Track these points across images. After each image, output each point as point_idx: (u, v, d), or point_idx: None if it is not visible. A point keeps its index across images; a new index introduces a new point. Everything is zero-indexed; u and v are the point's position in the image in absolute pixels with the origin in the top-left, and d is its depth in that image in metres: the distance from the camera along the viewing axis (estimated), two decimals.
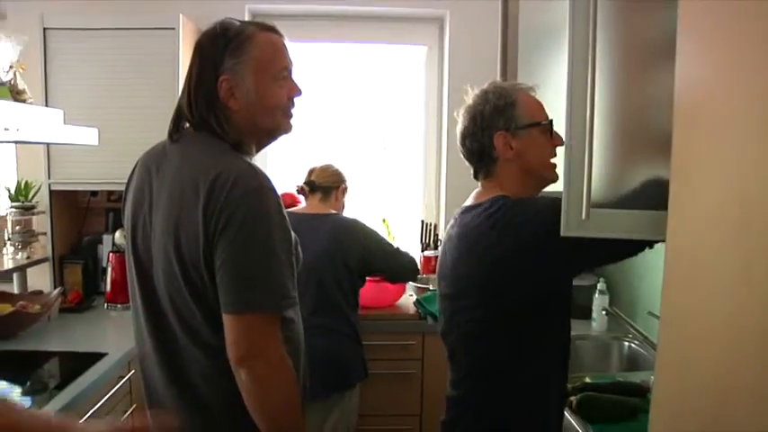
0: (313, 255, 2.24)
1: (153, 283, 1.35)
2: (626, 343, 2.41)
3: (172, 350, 1.34)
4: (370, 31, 3.32)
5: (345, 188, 2.56)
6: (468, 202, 1.55)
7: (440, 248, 1.65)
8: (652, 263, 2.42)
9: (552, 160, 1.51)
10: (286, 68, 1.40)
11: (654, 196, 1.27)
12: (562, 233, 1.35)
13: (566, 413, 1.71)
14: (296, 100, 1.44)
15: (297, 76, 1.45)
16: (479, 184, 1.56)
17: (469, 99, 1.54)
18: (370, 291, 2.77)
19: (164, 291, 1.32)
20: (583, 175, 1.30)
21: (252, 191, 1.25)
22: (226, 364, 1.26)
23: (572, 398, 1.74)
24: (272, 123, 1.40)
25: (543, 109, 1.52)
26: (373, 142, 3.50)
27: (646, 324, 2.35)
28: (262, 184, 1.27)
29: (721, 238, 1.01)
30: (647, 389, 1.82)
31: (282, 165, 3.33)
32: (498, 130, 1.48)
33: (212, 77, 1.33)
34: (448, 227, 1.61)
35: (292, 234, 1.34)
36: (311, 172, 2.54)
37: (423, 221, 3.34)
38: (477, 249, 1.42)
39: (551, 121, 1.50)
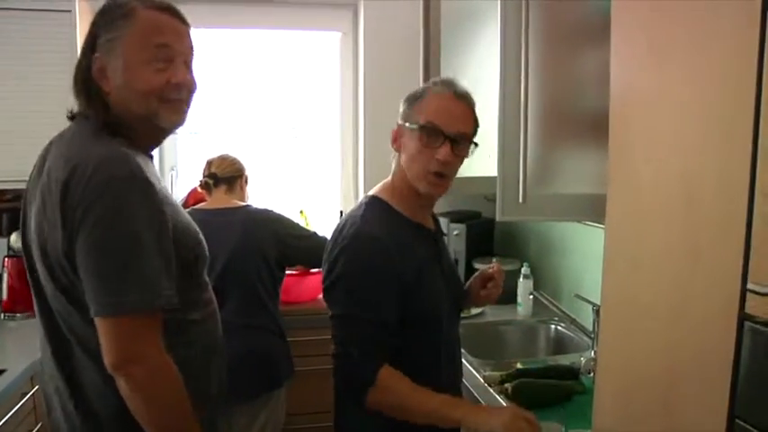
0: (229, 251, 2.16)
1: (41, 285, 1.23)
2: (552, 326, 2.43)
3: (66, 357, 1.23)
4: (283, 16, 3.19)
5: (247, 177, 2.47)
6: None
7: None
8: (573, 244, 2.46)
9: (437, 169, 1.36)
10: (166, 50, 1.24)
11: (590, 177, 1.26)
12: (497, 219, 1.33)
13: (501, 400, 1.71)
14: (188, 90, 1.29)
15: (196, 64, 1.31)
16: None
17: None
18: (292, 285, 2.69)
19: (49, 294, 1.21)
20: (518, 156, 1.27)
21: (112, 179, 1.13)
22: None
23: (507, 385, 1.74)
24: (145, 110, 1.24)
25: (444, 115, 1.36)
26: (285, 131, 3.39)
27: (571, 306, 2.37)
28: (125, 172, 1.14)
29: (666, 217, 0.99)
30: (579, 371, 1.83)
31: (192, 158, 3.15)
32: (400, 119, 1.44)
33: (89, 55, 1.23)
34: None
35: (194, 229, 1.27)
36: (209, 164, 2.40)
37: (341, 212, 3.27)
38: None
39: (431, 126, 1.36)
